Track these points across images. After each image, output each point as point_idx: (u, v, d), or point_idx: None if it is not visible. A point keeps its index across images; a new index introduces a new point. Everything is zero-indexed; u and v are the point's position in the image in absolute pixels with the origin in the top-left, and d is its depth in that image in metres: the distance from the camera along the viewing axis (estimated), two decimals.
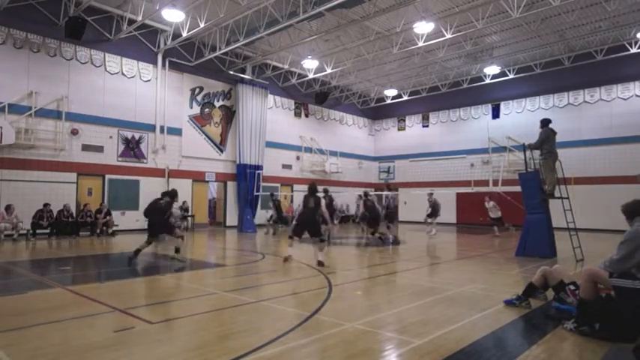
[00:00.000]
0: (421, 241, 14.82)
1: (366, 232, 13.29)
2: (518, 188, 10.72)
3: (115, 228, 15.48)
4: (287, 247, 9.25)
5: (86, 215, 15.15)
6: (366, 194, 14.13)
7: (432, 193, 17.09)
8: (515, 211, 15.13)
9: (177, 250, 8.44)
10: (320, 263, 8.48)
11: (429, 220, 16.92)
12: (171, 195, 9.23)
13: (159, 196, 9.63)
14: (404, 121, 27.51)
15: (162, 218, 8.87)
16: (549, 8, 14.01)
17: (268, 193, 18.37)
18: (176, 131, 18.70)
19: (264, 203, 20.24)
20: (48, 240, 13.62)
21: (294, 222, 9.39)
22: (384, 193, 19.59)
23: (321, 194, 10.32)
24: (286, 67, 20.77)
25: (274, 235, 16.57)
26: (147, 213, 12.80)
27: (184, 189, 18.68)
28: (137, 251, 8.77)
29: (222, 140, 20.52)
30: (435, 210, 16.76)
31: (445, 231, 19.22)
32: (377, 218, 13.38)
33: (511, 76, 21.73)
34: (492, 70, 21.51)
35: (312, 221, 9.00)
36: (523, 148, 10.37)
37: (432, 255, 11.60)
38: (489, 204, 16.80)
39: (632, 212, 4.33)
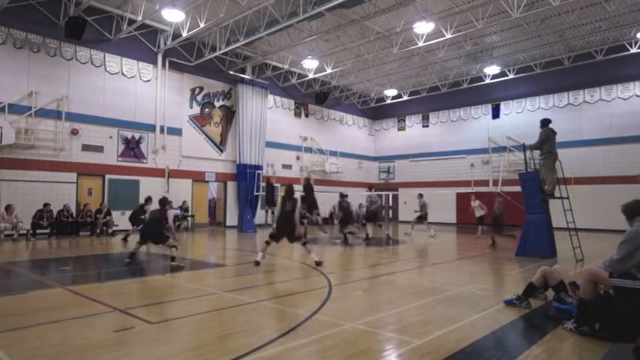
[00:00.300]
0: (421, 241, 14.82)
1: (339, 231, 14.01)
2: (518, 188, 10.72)
3: (115, 228, 15.48)
4: (259, 252, 8.83)
5: (86, 215, 15.15)
6: (342, 195, 14.73)
7: (421, 195, 17.20)
8: (515, 211, 15.15)
9: (172, 259, 8.39)
10: (318, 263, 8.43)
11: (415, 221, 17.15)
12: (162, 203, 9.10)
13: (158, 197, 9.56)
14: (404, 121, 27.51)
15: (157, 228, 8.76)
16: (549, 8, 14.02)
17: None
18: (176, 131, 18.70)
19: (264, 203, 20.24)
20: (48, 240, 13.61)
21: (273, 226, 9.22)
22: (367, 192, 19.33)
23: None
24: (286, 67, 20.77)
25: None
26: (133, 222, 12.83)
27: (184, 189, 18.72)
28: (132, 254, 8.76)
29: (222, 140, 20.52)
30: (425, 212, 16.93)
31: (445, 231, 19.23)
32: (349, 219, 14.13)
33: (511, 76, 21.73)
34: (492, 70, 21.51)
35: (290, 227, 8.72)
36: (523, 148, 10.37)
37: (432, 255, 11.59)
38: (475, 203, 16.74)
39: (632, 212, 4.33)
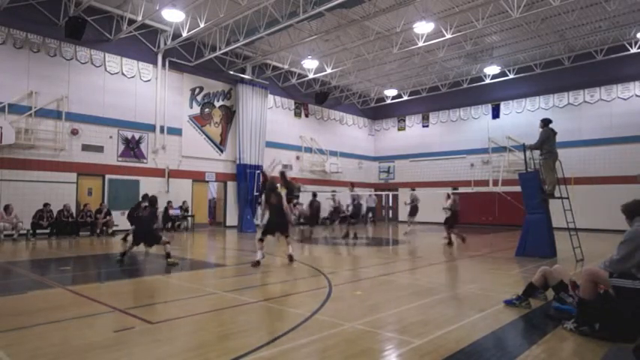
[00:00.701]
0: (420, 241, 14.83)
1: (306, 230, 14.90)
2: (518, 188, 10.72)
3: (115, 228, 15.47)
4: (257, 251, 8.73)
5: (86, 215, 15.15)
6: (314, 195, 15.36)
7: (413, 189, 17.33)
8: (515, 211, 15.16)
9: (168, 256, 8.41)
10: (290, 258, 8.69)
11: (412, 220, 17.41)
12: (152, 202, 9.07)
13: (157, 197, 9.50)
14: (404, 121, 27.51)
15: (148, 228, 8.72)
16: (549, 8, 14.02)
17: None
18: (176, 131, 18.70)
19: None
20: (48, 240, 13.61)
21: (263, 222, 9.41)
22: (354, 192, 19.01)
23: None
24: (286, 67, 20.77)
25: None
26: (131, 220, 12.82)
27: (184, 189, 18.72)
28: (123, 254, 8.77)
29: (222, 140, 20.52)
30: (415, 205, 17.25)
31: (444, 231, 19.14)
32: (316, 218, 15.31)
33: (511, 76, 21.73)
34: (492, 70, 21.51)
35: (280, 221, 8.90)
36: (523, 148, 10.36)
37: (431, 255, 11.58)
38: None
39: (632, 212, 4.33)
